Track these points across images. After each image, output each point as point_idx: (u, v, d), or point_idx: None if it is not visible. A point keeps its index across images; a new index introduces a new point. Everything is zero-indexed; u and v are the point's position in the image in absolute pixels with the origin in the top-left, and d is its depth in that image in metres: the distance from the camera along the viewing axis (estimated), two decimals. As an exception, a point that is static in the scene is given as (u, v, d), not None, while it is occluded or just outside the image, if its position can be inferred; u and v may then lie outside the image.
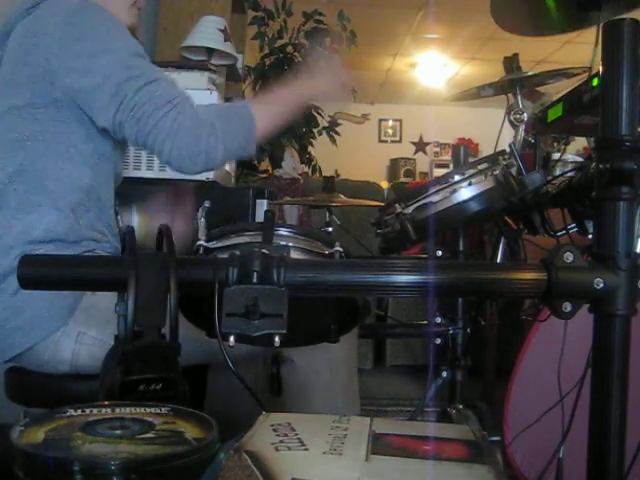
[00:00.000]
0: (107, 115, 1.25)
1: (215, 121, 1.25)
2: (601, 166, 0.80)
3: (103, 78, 1.23)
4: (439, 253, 1.51)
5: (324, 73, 1.45)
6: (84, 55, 1.25)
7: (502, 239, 1.64)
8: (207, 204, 1.04)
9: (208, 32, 2.64)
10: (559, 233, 1.43)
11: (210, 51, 2.64)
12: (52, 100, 1.27)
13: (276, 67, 3.99)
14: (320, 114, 4.23)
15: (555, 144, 2.76)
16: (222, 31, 2.65)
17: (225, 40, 2.65)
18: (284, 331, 0.78)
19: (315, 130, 4.24)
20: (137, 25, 1.51)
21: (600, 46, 0.82)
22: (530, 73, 1.60)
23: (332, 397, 1.38)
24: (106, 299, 1.23)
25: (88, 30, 1.27)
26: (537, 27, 1.59)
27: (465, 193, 1.26)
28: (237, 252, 0.81)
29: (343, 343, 1.16)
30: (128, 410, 0.66)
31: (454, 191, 1.26)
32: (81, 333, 1.26)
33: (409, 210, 1.29)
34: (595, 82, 1.28)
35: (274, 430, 0.66)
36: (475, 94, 1.73)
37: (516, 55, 1.61)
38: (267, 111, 1.34)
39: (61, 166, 1.29)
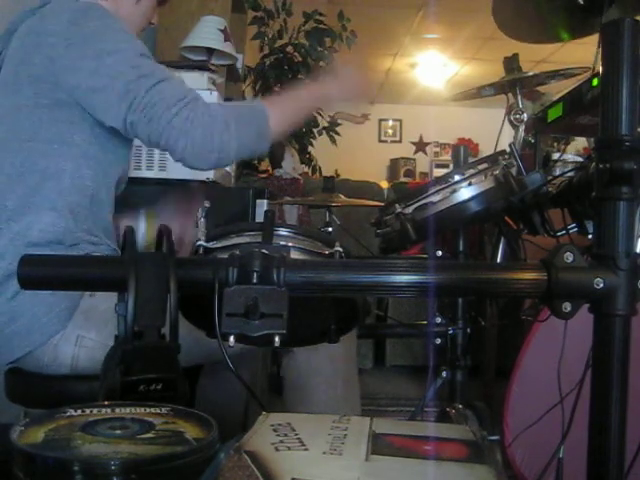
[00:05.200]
0: (117, 115, 1.24)
1: (229, 119, 1.24)
2: (601, 166, 0.80)
3: (111, 79, 1.23)
4: (439, 253, 1.51)
5: (347, 76, 1.40)
6: (91, 56, 1.24)
7: (502, 239, 1.64)
8: (207, 204, 1.04)
9: (208, 32, 2.64)
10: (559, 233, 1.43)
11: (210, 51, 2.64)
12: (55, 100, 1.26)
13: (276, 67, 3.99)
14: (320, 114, 4.23)
15: (555, 144, 2.77)
16: (222, 31, 2.65)
17: (225, 40, 2.65)
18: (284, 331, 0.78)
19: (315, 130, 4.24)
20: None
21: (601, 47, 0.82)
22: (530, 73, 1.60)
23: (333, 391, 1.38)
24: (105, 301, 1.23)
25: (94, 31, 1.27)
26: (540, 34, 1.59)
27: (465, 193, 1.26)
28: (237, 252, 0.81)
29: (342, 340, 1.15)
30: (128, 410, 0.66)
31: (454, 191, 1.26)
32: (80, 336, 1.25)
33: (409, 210, 1.29)
34: (595, 82, 1.28)
35: (274, 430, 0.66)
36: (475, 94, 1.73)
37: (516, 55, 1.61)
38: (282, 111, 1.33)
39: (63, 167, 1.28)
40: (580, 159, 1.58)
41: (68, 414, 0.64)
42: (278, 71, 3.96)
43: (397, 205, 1.30)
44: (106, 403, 0.68)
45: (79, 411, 0.65)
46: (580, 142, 3.49)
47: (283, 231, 1.01)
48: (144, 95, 1.21)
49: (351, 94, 1.41)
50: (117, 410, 0.66)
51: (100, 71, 1.24)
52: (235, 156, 1.29)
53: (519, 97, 1.58)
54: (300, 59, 4.02)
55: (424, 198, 1.28)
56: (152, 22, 1.51)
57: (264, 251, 0.80)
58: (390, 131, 9.01)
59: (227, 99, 2.85)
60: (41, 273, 0.81)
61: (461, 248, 1.59)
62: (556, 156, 1.61)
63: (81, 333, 1.25)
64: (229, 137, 1.24)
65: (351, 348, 1.43)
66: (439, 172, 7.41)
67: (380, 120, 8.91)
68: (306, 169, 4.45)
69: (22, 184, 1.28)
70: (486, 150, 6.60)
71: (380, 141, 8.99)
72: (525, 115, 1.56)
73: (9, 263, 1.22)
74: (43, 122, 1.27)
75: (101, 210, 1.36)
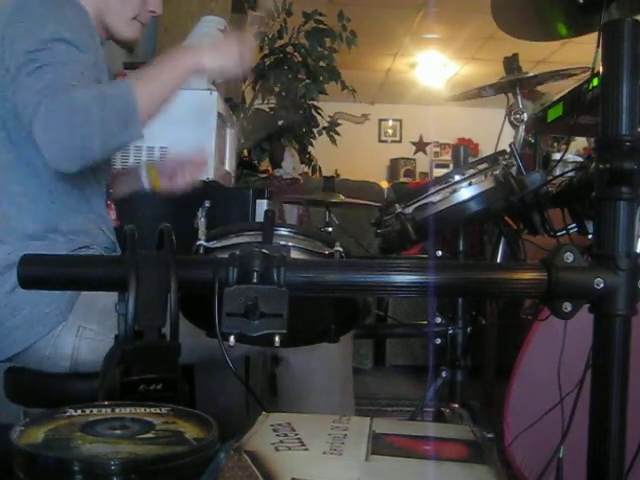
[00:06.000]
0: (11, 98, 1.19)
1: (91, 106, 1.11)
2: (601, 166, 0.80)
3: (13, 64, 1.17)
4: (439, 253, 1.51)
5: (225, 44, 1.32)
6: (17, 38, 1.19)
7: (502, 239, 1.64)
8: (207, 204, 1.04)
9: (208, 32, 2.64)
10: (559, 233, 1.43)
11: (210, 51, 2.64)
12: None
13: (276, 67, 3.99)
14: (320, 114, 4.23)
15: (555, 144, 2.76)
16: (222, 31, 2.64)
17: (225, 40, 2.65)
18: (284, 331, 0.78)
19: (315, 130, 4.24)
20: (138, 39, 1.44)
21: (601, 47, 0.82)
22: (530, 74, 1.60)
23: (328, 397, 1.38)
24: (106, 293, 1.23)
25: (30, 12, 1.21)
26: (539, 31, 1.59)
27: (465, 193, 1.26)
28: (237, 252, 0.81)
29: (339, 343, 1.16)
30: (128, 410, 0.66)
31: (454, 191, 1.26)
32: (81, 327, 1.25)
33: (409, 210, 1.29)
34: (595, 82, 1.28)
35: (274, 430, 0.66)
36: (475, 94, 1.73)
37: (516, 55, 1.61)
38: (151, 91, 1.21)
39: (33, 155, 1.23)
40: (580, 159, 1.58)
41: (68, 414, 0.64)
42: (278, 71, 3.96)
43: (397, 205, 1.30)
44: (106, 403, 0.68)
45: (79, 411, 0.65)
46: (580, 142, 3.50)
47: (283, 231, 1.01)
48: (24, 79, 1.15)
49: (225, 63, 1.29)
50: (117, 410, 0.66)
51: (12, 54, 1.18)
52: (101, 149, 1.14)
53: (519, 97, 1.58)
54: (300, 59, 4.02)
55: (424, 198, 1.28)
56: (152, 10, 1.41)
57: (264, 251, 0.80)
58: (390, 131, 9.01)
59: (227, 99, 2.85)
60: (41, 273, 0.81)
61: (461, 248, 1.59)
62: (556, 156, 1.60)
63: (82, 324, 1.25)
64: (91, 130, 1.11)
65: (347, 349, 1.43)
66: (439, 172, 7.41)
67: (380, 120, 8.92)
68: (306, 169, 4.45)
69: (1, 173, 1.26)
70: (486, 150, 6.61)
71: (380, 141, 9.00)
72: (525, 115, 1.56)
73: (8, 254, 1.22)
74: (7, 110, 1.23)
75: (92, 196, 1.35)
